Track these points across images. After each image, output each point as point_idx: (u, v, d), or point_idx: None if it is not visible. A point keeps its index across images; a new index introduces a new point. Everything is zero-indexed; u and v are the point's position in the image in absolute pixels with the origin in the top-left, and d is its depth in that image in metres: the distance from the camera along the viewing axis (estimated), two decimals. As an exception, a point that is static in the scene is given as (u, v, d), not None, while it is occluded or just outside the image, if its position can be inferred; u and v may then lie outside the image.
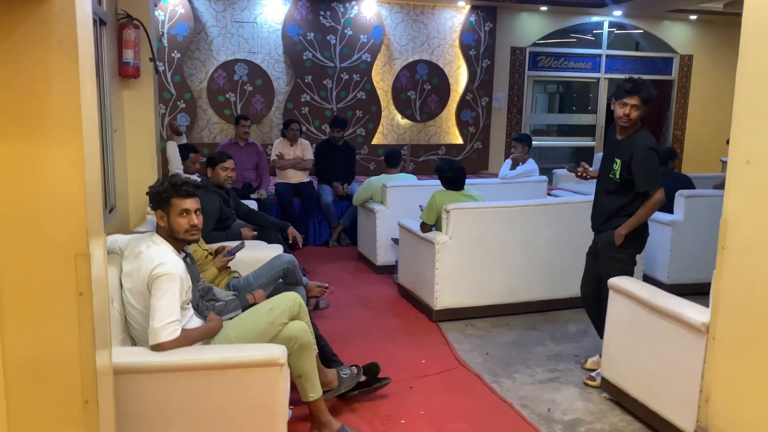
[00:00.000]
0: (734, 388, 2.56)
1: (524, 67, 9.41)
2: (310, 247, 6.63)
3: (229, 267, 3.50)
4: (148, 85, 4.74)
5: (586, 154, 10.10)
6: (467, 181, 4.77)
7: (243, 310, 2.89)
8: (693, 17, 9.84)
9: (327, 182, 6.79)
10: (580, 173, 3.90)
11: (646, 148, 3.34)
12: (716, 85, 10.20)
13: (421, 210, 5.00)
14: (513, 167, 6.16)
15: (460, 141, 9.14)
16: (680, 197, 5.15)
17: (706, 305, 2.77)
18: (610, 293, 3.32)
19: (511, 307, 4.67)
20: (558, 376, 3.71)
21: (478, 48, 8.97)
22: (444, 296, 4.48)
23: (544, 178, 6.18)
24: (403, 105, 8.84)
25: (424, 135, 9.05)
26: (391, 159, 5.95)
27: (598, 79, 9.91)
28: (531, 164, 6.14)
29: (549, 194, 6.47)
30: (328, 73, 8.44)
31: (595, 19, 9.61)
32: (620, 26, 9.86)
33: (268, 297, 3.02)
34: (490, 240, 4.53)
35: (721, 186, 5.31)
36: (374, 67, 8.64)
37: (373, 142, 8.78)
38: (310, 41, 8.30)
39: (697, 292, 5.26)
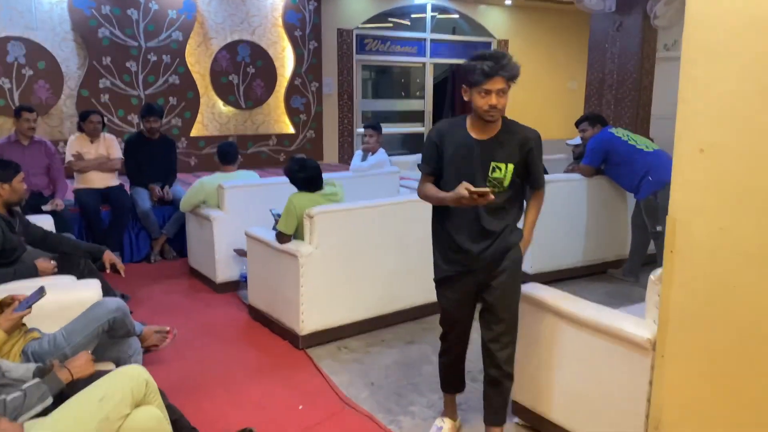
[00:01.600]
0: (690, 413, 2.22)
1: (352, 51, 8.90)
2: (127, 265, 5.43)
3: (23, 325, 2.44)
4: None
5: (416, 140, 9.92)
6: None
7: (56, 398, 1.93)
8: (508, 2, 10.07)
9: (142, 185, 5.63)
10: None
11: (539, 137, 2.55)
12: (533, 69, 10.59)
13: (274, 215, 4.21)
14: (364, 158, 5.59)
15: (291, 130, 8.38)
16: (540, 183, 4.95)
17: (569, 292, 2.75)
18: (523, 306, 2.86)
19: (386, 319, 4.11)
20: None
21: (304, 28, 8.25)
22: (312, 318, 3.76)
23: (396, 169, 5.70)
24: (224, 90, 7.83)
25: (251, 124, 8.13)
26: (227, 154, 5.02)
27: (424, 63, 9.74)
28: (382, 154, 5.62)
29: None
30: (131, 53, 7.14)
31: (418, 1, 9.39)
32: (442, 10, 9.77)
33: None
34: (360, 245, 3.90)
35: (573, 170, 5.24)
36: (188, 47, 7.50)
37: (192, 134, 7.66)
38: (106, 16, 6.93)
39: (559, 279, 5.21)
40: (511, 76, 2.32)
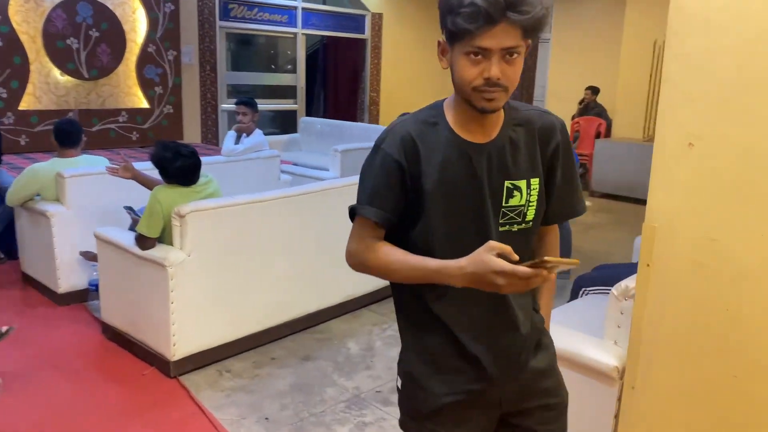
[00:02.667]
0: (664, 450, 1.90)
1: (215, 16, 7.95)
2: (-65, 273, 4.34)
3: None
4: None
5: (289, 117, 9.21)
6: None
7: None
8: (382, -26, 9.60)
9: (-46, 172, 4.49)
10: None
11: (564, 125, 1.42)
12: (405, 44, 10.26)
13: (131, 214, 3.43)
14: (238, 140, 4.85)
15: (145, 104, 7.32)
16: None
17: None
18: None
19: (274, 331, 3.51)
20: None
21: (158, -13, 7.19)
22: (185, 338, 3.07)
23: (276, 152, 5.04)
24: (61, 57, 6.61)
25: (96, 97, 6.97)
26: (68, 135, 4.05)
27: (296, 34, 9.02)
28: (259, 136, 4.92)
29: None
30: (-66, 6, 5.75)
31: (287, -35, 8.63)
32: (314, -24, 9.08)
33: None
34: (243, 249, 3.25)
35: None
36: (12, 2, 6.20)
37: (21, 107, 6.39)
38: None
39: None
40: (531, 22, 1.17)
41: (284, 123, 9.30)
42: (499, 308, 1.35)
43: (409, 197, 1.31)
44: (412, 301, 1.41)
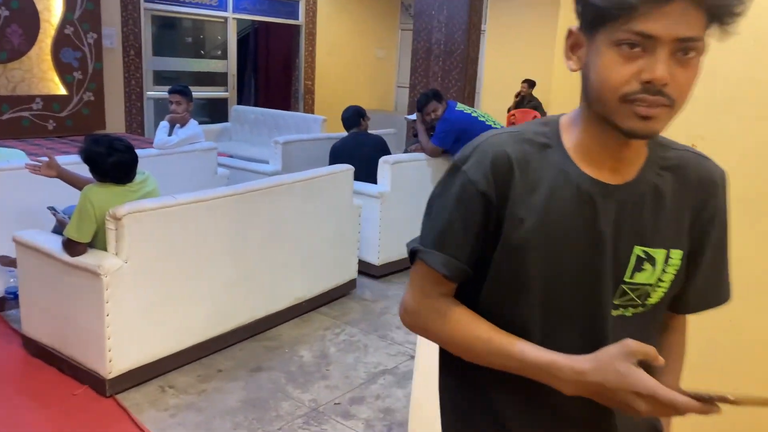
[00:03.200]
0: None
1: (139, -3, 7.43)
2: None
3: None
4: None
5: (219, 106, 8.79)
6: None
7: None
8: (316, -42, 9.30)
9: None
10: None
11: (724, 180, 1.01)
12: (340, 31, 10.01)
13: (56, 215, 3.07)
14: (171, 132, 4.50)
15: (62, 91, 6.73)
16: (385, 164, 4.40)
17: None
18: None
19: (220, 340, 3.25)
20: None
21: (75, -36, 6.61)
22: (123, 353, 2.77)
23: (213, 144, 4.72)
24: (-36, 37, 5.97)
25: (5, 82, 6.34)
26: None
27: (226, 18, 8.59)
28: (195, 127, 4.59)
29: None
30: None
31: (216, -54, 8.18)
32: (244, -42, 8.66)
33: None
34: (184, 253, 2.97)
35: (417, 150, 4.78)
36: None
37: None
38: None
39: (406, 268, 4.75)
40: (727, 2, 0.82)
41: (214, 112, 8.87)
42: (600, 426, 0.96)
43: (492, 245, 0.93)
44: (459, 385, 1.04)
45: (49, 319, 2.98)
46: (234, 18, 8.64)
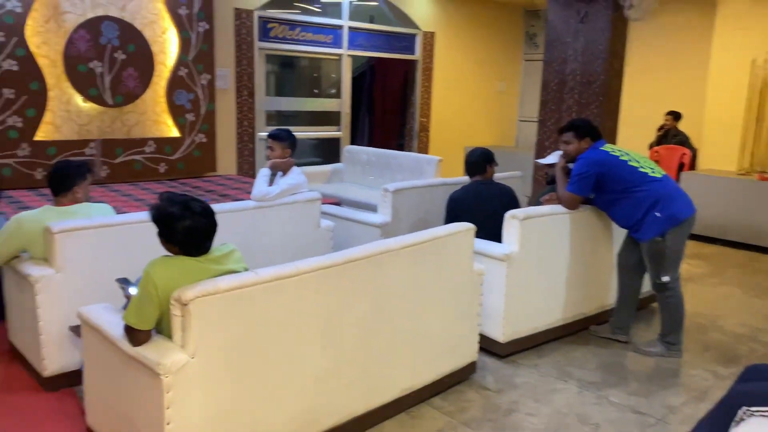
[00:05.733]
0: None
1: (253, 37, 7.28)
2: None
3: None
4: None
5: (332, 145, 8.45)
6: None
7: None
8: (435, -10, 8.83)
9: (-61, 218, 3.81)
10: None
11: None
12: (460, 67, 9.44)
13: (125, 291, 2.62)
14: (271, 180, 4.05)
15: (175, 133, 6.63)
16: (512, 220, 3.66)
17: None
18: None
19: (309, 445, 2.64)
20: None
21: (191, 5, 6.53)
22: (186, 470, 2.23)
23: (317, 194, 4.21)
24: (83, 81, 5.99)
25: (121, 125, 6.32)
26: (57, 180, 3.30)
27: (341, 55, 8.28)
28: (297, 176, 4.11)
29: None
30: (-57, 27, 5.18)
31: (332, -18, 7.93)
32: (361, -7, 8.36)
33: None
34: (266, 342, 2.41)
35: (551, 201, 4.00)
36: (29, 22, 5.61)
37: (37, 138, 5.77)
38: None
39: (534, 344, 3.96)
40: None
41: (327, 151, 8.54)
42: None
43: None
44: None
45: (111, 414, 2.51)
46: (349, 55, 8.32)
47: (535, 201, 4.32)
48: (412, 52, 9.00)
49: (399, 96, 9.26)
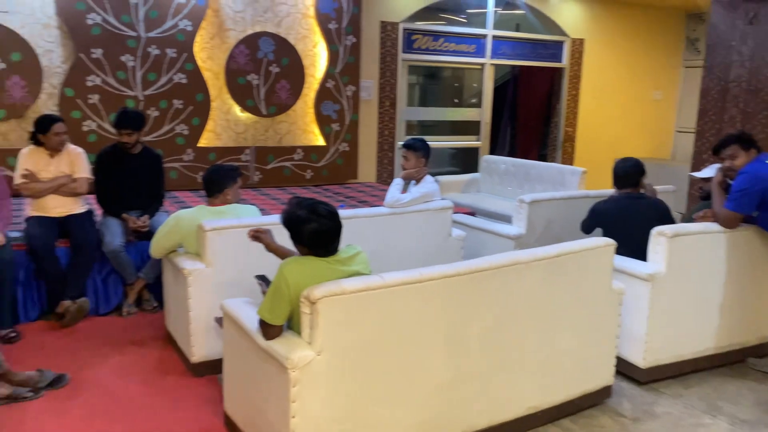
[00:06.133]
0: None
1: (397, 48, 7.46)
2: (90, 320, 4.14)
3: None
4: None
5: (471, 155, 8.40)
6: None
7: None
8: (585, -5, 8.49)
9: (115, 214, 4.31)
10: None
11: None
12: (611, 75, 8.98)
13: (261, 286, 2.79)
14: (405, 188, 4.11)
15: (321, 142, 6.98)
16: (660, 237, 3.39)
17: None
18: None
19: (429, 453, 2.62)
20: None
21: (340, 20, 6.84)
22: (310, 463, 2.31)
23: (449, 203, 4.21)
24: (242, 93, 6.49)
25: (273, 134, 6.77)
26: (210, 183, 3.62)
27: (484, 64, 8.22)
28: (430, 184, 4.13)
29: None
30: (128, 45, 5.87)
31: (477, -8, 7.90)
32: (507, 2, 8.23)
33: None
34: (389, 345, 2.44)
35: (707, 218, 3.66)
36: (198, 39, 6.20)
37: (200, 144, 6.35)
38: (98, -1, 5.68)
39: (680, 373, 3.64)
40: None
41: (465, 161, 8.50)
42: None
43: None
44: None
45: (244, 402, 2.68)
46: (491, 64, 8.25)
47: (688, 217, 3.98)
48: (559, 60, 8.72)
49: (543, 105, 9.00)
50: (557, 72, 8.78)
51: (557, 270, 2.86)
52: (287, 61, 6.64)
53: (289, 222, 2.41)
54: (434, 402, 2.58)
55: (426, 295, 2.48)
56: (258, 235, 2.90)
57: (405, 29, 7.51)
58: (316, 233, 2.35)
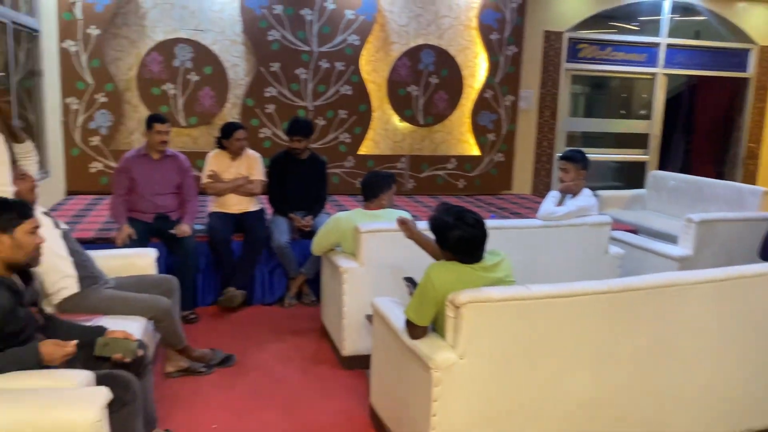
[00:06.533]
0: None
1: (560, 58, 7.28)
2: (255, 309, 4.55)
3: None
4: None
5: (635, 170, 7.95)
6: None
7: None
8: (779, -3, 7.68)
9: (283, 213, 4.69)
10: None
11: None
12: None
13: (409, 287, 2.90)
14: (561, 201, 4.03)
15: (476, 152, 7.02)
16: None
17: None
18: None
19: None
20: None
21: (502, 31, 6.85)
22: (445, 463, 2.37)
23: (607, 218, 4.04)
24: (401, 103, 6.74)
25: (428, 143, 6.94)
26: (366, 187, 3.83)
27: (655, 74, 7.75)
28: (587, 198, 4.00)
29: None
30: (301, 59, 6.36)
31: (651, -2, 7.47)
32: (686, 9, 7.69)
33: None
34: (532, 357, 2.42)
35: None
36: (364, 53, 6.54)
37: (360, 152, 6.68)
38: (278, 17, 6.22)
39: None
40: None
41: (629, 175, 8.06)
42: None
43: None
44: None
45: (389, 396, 2.80)
46: (664, 74, 7.75)
47: None
48: (744, 69, 7.97)
49: (722, 118, 8.27)
50: (741, 82, 8.02)
51: (724, 295, 2.65)
52: (446, 72, 6.78)
53: (435, 227, 2.49)
54: (576, 420, 2.50)
55: (575, 311, 2.43)
56: (404, 220, 3.05)
57: (570, 38, 7.31)
58: (461, 240, 2.41)
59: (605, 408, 2.54)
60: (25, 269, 2.27)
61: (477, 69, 6.91)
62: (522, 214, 5.45)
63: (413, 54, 6.67)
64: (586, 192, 4.03)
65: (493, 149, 7.03)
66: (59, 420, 1.87)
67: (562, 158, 4.10)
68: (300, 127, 4.63)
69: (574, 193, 4.02)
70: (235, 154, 4.62)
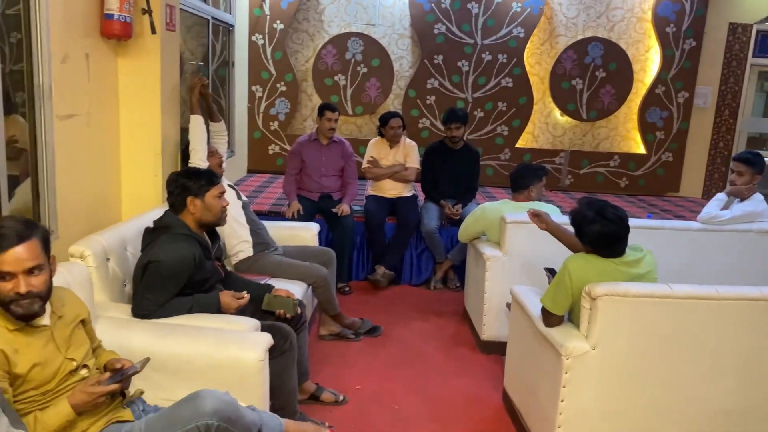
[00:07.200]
0: None
1: (747, 52, 6.67)
2: (403, 288, 4.82)
3: (122, 397, 1.82)
4: (151, 50, 3.23)
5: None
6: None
7: None
8: None
9: (434, 200, 4.90)
10: None
11: None
12: None
13: (549, 277, 2.96)
14: (727, 205, 3.79)
15: (641, 150, 6.70)
16: None
17: None
18: None
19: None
20: None
21: (680, 23, 6.44)
22: (571, 450, 2.43)
23: (778, 226, 3.73)
24: (564, 97, 6.63)
25: (590, 139, 6.75)
26: (515, 179, 3.89)
27: None
28: (758, 203, 3.72)
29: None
30: (464, 51, 6.49)
31: None
32: None
33: None
34: (669, 357, 2.38)
35: None
36: (528, 45, 6.52)
37: (517, 145, 6.68)
38: (445, 10, 6.41)
39: None
40: None
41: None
42: None
43: None
44: None
45: (521, 381, 2.90)
46: None
47: None
48: None
49: None
50: None
51: None
52: (615, 66, 6.53)
53: (575, 220, 2.53)
54: (715, 427, 2.42)
55: (721, 315, 2.35)
56: (536, 212, 3.11)
57: (759, 31, 6.67)
58: (599, 235, 2.42)
59: (749, 419, 2.43)
60: (212, 228, 2.69)
61: (649, 64, 6.58)
62: (685, 218, 5.15)
63: (580, 47, 6.51)
64: (758, 197, 3.75)
65: (662, 148, 6.66)
66: (231, 356, 2.23)
67: (736, 159, 3.84)
68: (457, 115, 4.80)
69: (744, 197, 3.76)
70: (393, 142, 4.90)
